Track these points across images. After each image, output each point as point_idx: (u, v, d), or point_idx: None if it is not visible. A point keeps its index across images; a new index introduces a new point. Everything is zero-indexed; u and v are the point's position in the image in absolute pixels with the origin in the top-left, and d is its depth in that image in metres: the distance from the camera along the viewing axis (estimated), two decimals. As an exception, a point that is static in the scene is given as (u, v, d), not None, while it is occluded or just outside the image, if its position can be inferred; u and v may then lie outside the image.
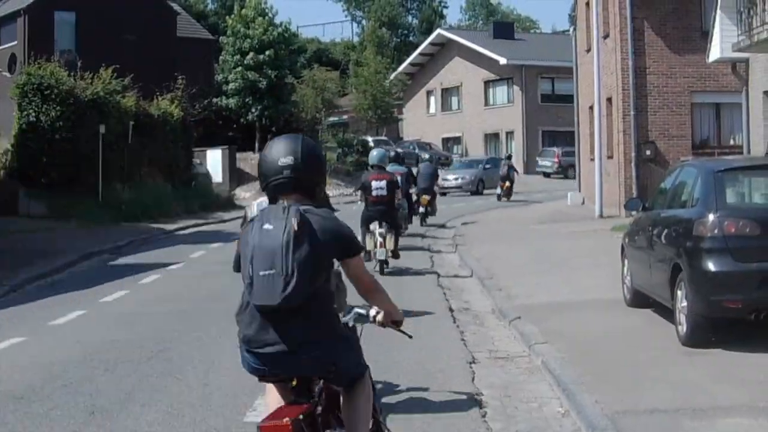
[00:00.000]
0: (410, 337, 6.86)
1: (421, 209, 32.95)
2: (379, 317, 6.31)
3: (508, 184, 49.04)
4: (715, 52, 25.32)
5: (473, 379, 10.95)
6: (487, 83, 77.47)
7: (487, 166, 58.85)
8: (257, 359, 6.10)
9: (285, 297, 5.81)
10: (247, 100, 60.23)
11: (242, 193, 53.64)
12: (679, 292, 11.89)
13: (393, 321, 6.41)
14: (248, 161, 59.19)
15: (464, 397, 10.11)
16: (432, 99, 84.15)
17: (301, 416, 5.91)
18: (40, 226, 30.99)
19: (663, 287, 12.68)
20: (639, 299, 14.50)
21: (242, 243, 6.12)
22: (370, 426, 6.54)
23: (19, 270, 21.73)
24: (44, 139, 35.09)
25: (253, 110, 60.29)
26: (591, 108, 35.83)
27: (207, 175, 51.80)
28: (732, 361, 10.82)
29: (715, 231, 11.44)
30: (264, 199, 7.54)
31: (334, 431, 6.45)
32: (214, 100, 59.27)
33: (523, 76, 73.69)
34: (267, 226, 5.96)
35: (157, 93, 44.77)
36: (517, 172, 52.32)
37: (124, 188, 38.92)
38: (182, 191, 44.20)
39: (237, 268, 6.19)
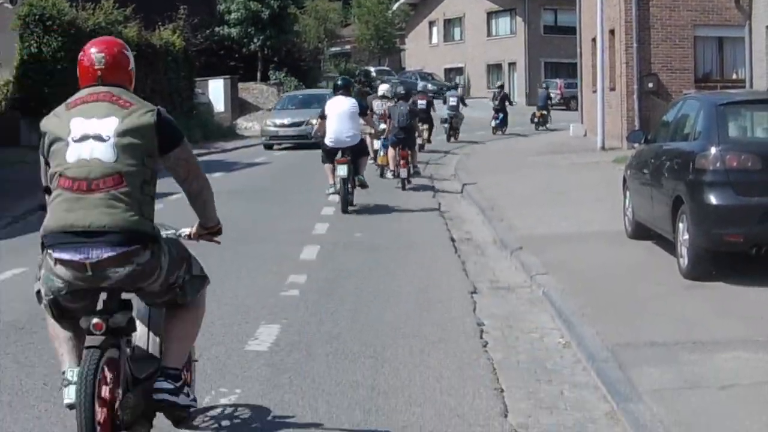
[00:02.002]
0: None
1: (535, 120, 49.00)
2: None
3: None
4: (719, -15, 25.18)
5: (474, 309, 10.99)
6: (490, 14, 77.05)
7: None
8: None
9: (406, 123, 23.50)
10: (249, 30, 59.81)
11: (244, 123, 53.26)
12: (680, 225, 11.89)
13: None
14: (250, 91, 58.82)
15: (465, 326, 10.16)
16: (434, 30, 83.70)
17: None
18: (41, 157, 30.93)
19: (664, 220, 12.69)
20: (640, 231, 14.51)
21: (392, 111, 24.05)
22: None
23: (20, 201, 21.73)
24: (46, 70, 34.93)
25: (255, 40, 59.90)
26: (594, 40, 35.62)
27: (209, 105, 51.55)
28: (732, 295, 10.85)
29: (717, 164, 11.42)
30: (379, 102, 28.10)
31: None
32: (216, 29, 58.86)
33: (526, 8, 73.36)
34: (402, 108, 23.82)
35: (159, 23, 44.55)
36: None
37: (126, 118, 38.84)
38: (184, 121, 43.97)
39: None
